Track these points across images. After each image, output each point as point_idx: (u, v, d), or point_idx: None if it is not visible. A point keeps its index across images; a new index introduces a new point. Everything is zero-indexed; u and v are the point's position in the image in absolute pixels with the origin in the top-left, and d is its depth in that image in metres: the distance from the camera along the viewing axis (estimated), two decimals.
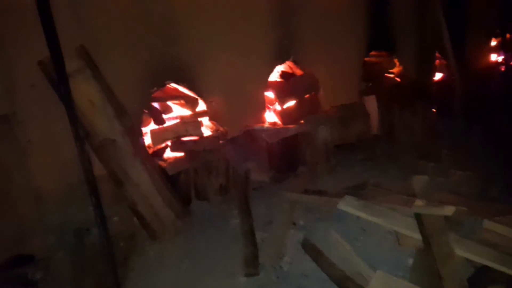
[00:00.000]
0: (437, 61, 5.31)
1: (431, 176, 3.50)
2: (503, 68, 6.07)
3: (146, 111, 3.46)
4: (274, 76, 4.20)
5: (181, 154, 3.48)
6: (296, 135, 3.93)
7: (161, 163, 3.35)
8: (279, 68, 4.22)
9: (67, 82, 2.31)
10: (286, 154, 3.93)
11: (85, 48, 2.94)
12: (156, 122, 3.48)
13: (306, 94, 4.14)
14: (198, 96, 3.67)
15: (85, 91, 2.89)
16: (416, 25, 4.90)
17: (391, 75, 5.00)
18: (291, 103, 4.08)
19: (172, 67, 3.47)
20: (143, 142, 3.26)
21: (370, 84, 4.73)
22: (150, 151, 3.39)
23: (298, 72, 4.24)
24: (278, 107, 4.08)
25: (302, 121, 4.00)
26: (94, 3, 3.04)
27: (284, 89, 4.04)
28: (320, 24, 4.19)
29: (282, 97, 4.01)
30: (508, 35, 5.82)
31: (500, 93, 5.84)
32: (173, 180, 3.34)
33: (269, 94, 4.11)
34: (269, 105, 4.14)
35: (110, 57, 3.14)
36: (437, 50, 5.21)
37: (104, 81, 3.01)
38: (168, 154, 3.51)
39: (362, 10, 4.50)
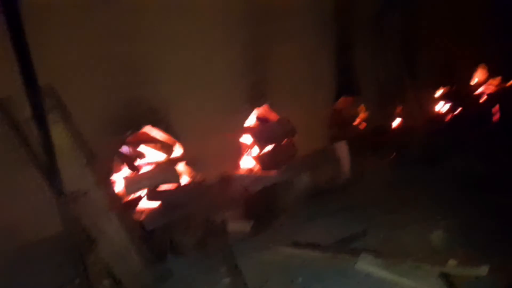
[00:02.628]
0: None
1: (413, 226, 3.45)
2: (449, 117, 6.46)
3: (117, 157, 3.07)
4: (251, 120, 4.02)
5: (157, 205, 3.11)
6: (275, 183, 3.73)
7: (136, 216, 2.95)
8: (255, 113, 4.05)
9: (47, 124, 1.92)
10: (266, 203, 3.70)
11: (53, 87, 2.55)
12: (130, 169, 3.09)
13: (283, 139, 3.99)
14: (174, 139, 3.36)
15: (53, 135, 2.46)
16: (379, 72, 5.06)
17: (358, 120, 5.06)
18: (269, 148, 3.90)
19: (147, 108, 3.16)
20: (118, 193, 2.85)
21: (340, 129, 4.72)
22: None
23: (273, 116, 4.11)
24: (255, 152, 3.88)
25: (281, 168, 3.81)
26: (62, 38, 2.69)
27: (262, 134, 3.87)
28: (293, 69, 4.14)
29: (260, 142, 3.82)
30: (454, 87, 6.23)
31: (449, 138, 6.15)
32: (146, 235, 2.94)
33: (246, 139, 3.90)
34: (245, 150, 3.92)
35: (80, 97, 2.78)
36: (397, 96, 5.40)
37: (73, 123, 2.62)
38: (142, 205, 3.11)
39: (331, 55, 4.54)
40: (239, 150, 3.83)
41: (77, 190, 2.50)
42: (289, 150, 4.00)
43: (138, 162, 3.20)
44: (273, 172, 3.71)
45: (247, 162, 3.89)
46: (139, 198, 3.10)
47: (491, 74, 7.60)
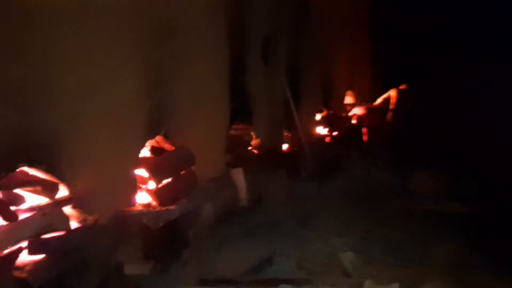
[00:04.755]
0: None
1: (317, 246, 3.61)
2: (328, 139, 7.06)
3: None
4: (145, 152, 3.77)
5: (42, 256, 2.66)
6: (177, 216, 3.53)
7: (17, 273, 2.47)
8: (149, 144, 3.82)
9: None
10: (166, 239, 3.47)
11: None
12: (5, 218, 2.60)
13: (182, 170, 3.83)
14: (59, 179, 2.95)
15: None
16: (267, 99, 5.26)
17: (250, 147, 5.17)
18: (167, 180, 3.69)
19: (27, 144, 2.72)
20: None
21: (235, 156, 4.75)
22: None
23: (168, 147, 3.93)
24: (151, 186, 3.63)
25: (181, 200, 3.63)
26: None
27: (158, 166, 3.65)
28: (189, 94, 4.04)
29: (156, 175, 3.60)
30: (331, 111, 6.85)
31: (330, 158, 6.69)
32: None
33: (141, 172, 3.63)
34: (140, 185, 3.64)
35: None
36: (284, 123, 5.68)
37: None
38: (23, 258, 2.63)
39: (225, 82, 4.57)
40: (134, 185, 3.54)
41: None
42: (189, 181, 3.85)
43: (14, 208, 2.71)
44: (174, 206, 3.50)
45: (145, 197, 3.62)
46: (19, 250, 2.61)
47: (358, 99, 8.54)
